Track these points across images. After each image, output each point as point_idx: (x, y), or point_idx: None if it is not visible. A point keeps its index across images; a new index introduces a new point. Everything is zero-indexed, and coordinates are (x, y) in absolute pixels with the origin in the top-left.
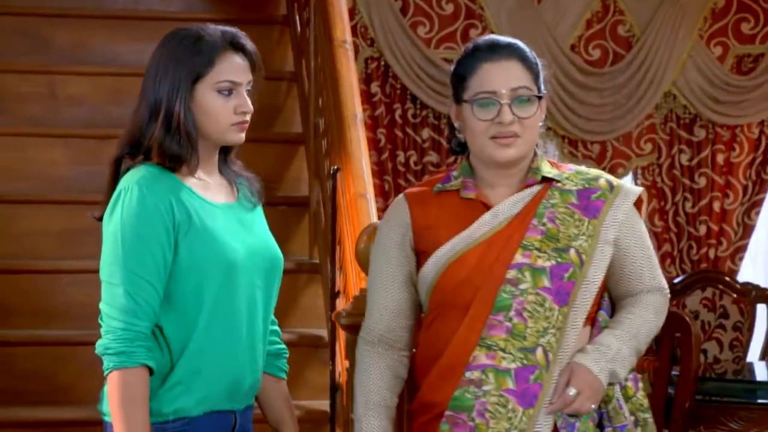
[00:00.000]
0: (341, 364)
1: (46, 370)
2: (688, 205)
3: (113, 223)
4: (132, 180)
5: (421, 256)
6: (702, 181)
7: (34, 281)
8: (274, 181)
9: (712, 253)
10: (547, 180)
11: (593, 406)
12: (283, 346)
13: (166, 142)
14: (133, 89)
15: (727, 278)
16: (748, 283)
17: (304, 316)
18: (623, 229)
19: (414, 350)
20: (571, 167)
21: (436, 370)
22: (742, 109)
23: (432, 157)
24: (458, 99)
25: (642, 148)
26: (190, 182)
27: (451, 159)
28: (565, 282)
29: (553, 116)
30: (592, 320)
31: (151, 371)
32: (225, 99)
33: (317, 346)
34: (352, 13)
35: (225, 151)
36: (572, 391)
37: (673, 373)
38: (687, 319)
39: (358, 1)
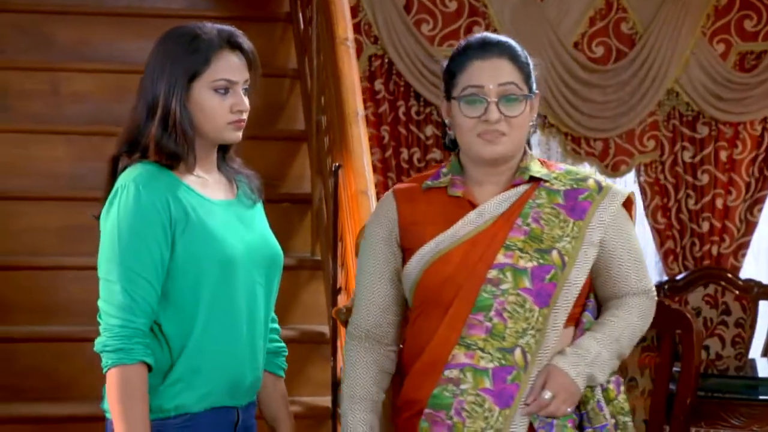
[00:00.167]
0: (342, 360)
1: (47, 366)
2: (691, 202)
3: (110, 221)
4: (129, 178)
5: (406, 252)
6: (705, 178)
7: (35, 278)
8: (277, 178)
9: (714, 250)
10: (535, 179)
11: (569, 409)
12: (283, 344)
13: (163, 140)
14: (135, 87)
15: (730, 275)
16: (750, 280)
17: (306, 312)
18: (609, 230)
19: (402, 345)
20: (561, 167)
21: (418, 366)
22: (745, 106)
23: (435, 154)
24: (448, 95)
25: (645, 145)
26: (188, 180)
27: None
28: (546, 283)
29: (556, 113)
30: (576, 321)
31: (149, 368)
32: (221, 97)
33: (319, 343)
34: (356, 10)
35: (224, 149)
36: (548, 395)
37: (675, 369)
38: (688, 315)
39: None
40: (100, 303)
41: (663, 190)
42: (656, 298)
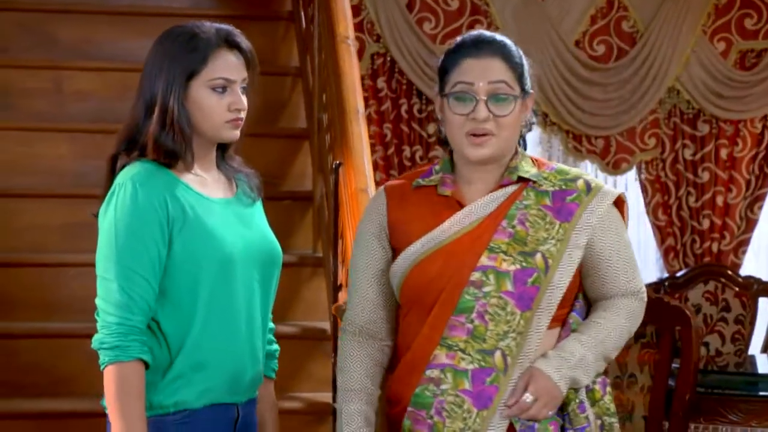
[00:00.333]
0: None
1: (49, 362)
2: (692, 199)
3: (108, 219)
4: (127, 176)
5: (394, 251)
6: (705, 176)
7: (38, 275)
8: (279, 176)
9: (715, 247)
10: (523, 180)
11: (550, 412)
12: (276, 346)
13: (161, 138)
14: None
15: (730, 272)
16: (750, 277)
17: (308, 309)
18: (597, 232)
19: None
20: (552, 166)
21: (403, 364)
22: (746, 104)
23: (437, 151)
24: (441, 92)
25: (646, 143)
26: (187, 178)
27: None
28: (529, 287)
29: (557, 111)
30: (562, 321)
31: (146, 365)
32: (219, 96)
33: (320, 339)
34: (359, 9)
35: (223, 148)
36: (529, 398)
37: (674, 365)
38: (687, 312)
39: None
40: (97, 301)
41: (664, 188)
42: (646, 298)
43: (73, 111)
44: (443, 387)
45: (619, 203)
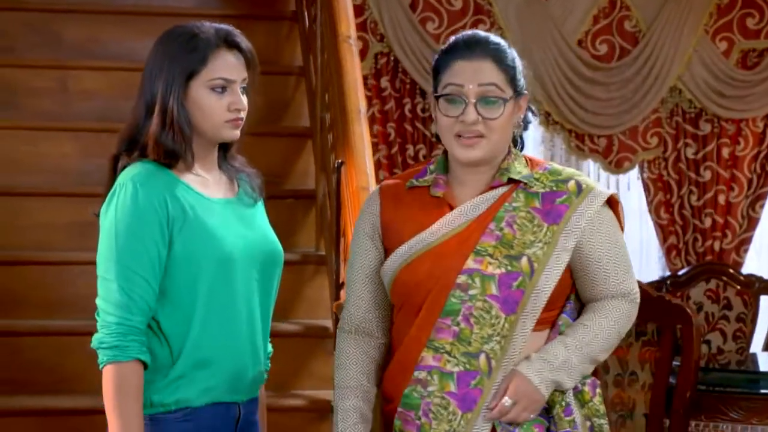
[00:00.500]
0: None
1: (52, 360)
2: (694, 198)
3: (108, 220)
4: (127, 177)
5: (386, 251)
6: (707, 175)
7: (43, 273)
8: (282, 175)
9: (717, 246)
10: (515, 181)
11: (531, 415)
12: (270, 348)
13: (161, 138)
14: None
15: (731, 270)
16: (751, 275)
17: (311, 307)
18: (587, 234)
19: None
20: (546, 166)
21: (393, 363)
22: (747, 104)
23: (441, 150)
24: (434, 92)
25: (648, 142)
26: (187, 178)
27: None
28: (514, 291)
29: (560, 110)
30: (552, 323)
31: (145, 365)
32: (218, 96)
33: (322, 337)
34: (362, 8)
35: (225, 147)
36: (508, 401)
37: (676, 363)
38: (688, 310)
39: None
40: (98, 301)
41: (666, 187)
42: (638, 300)
43: (78, 110)
44: (430, 389)
45: (614, 204)
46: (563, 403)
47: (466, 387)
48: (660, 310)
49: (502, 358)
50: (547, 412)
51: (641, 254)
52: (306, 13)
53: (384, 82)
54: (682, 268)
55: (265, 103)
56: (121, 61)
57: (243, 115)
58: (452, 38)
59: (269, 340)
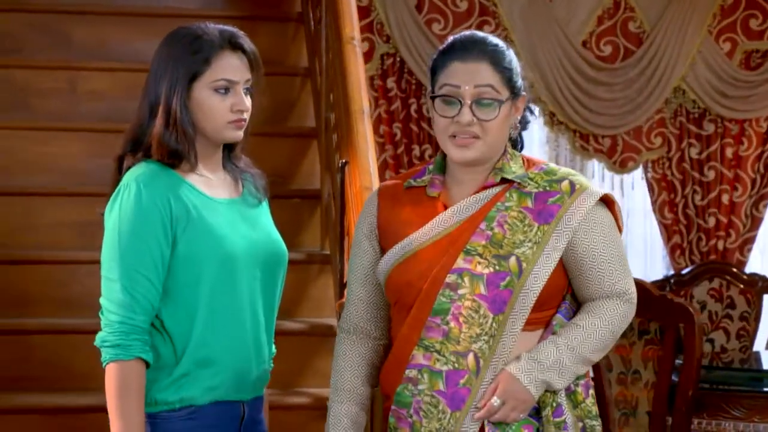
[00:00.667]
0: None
1: (63, 357)
2: (698, 197)
3: (112, 220)
4: (131, 177)
5: (382, 251)
6: (711, 174)
7: (53, 272)
8: (288, 175)
9: (720, 245)
10: (509, 181)
11: (521, 415)
12: (274, 349)
13: (165, 138)
14: None
15: (734, 269)
16: (754, 274)
17: (316, 306)
18: (579, 233)
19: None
20: (542, 166)
21: (388, 361)
22: (751, 104)
23: None
24: (431, 93)
25: (652, 142)
26: (191, 178)
27: None
28: (502, 290)
29: (564, 111)
30: (546, 323)
31: (147, 364)
32: (221, 97)
33: (327, 336)
34: (369, 10)
35: (230, 148)
36: (497, 401)
37: (679, 361)
38: (690, 309)
39: None
40: (101, 300)
41: (670, 186)
42: (635, 300)
43: (87, 111)
44: (420, 387)
45: (610, 204)
46: (554, 404)
47: (455, 386)
48: (662, 308)
49: (490, 357)
50: (538, 413)
51: (645, 253)
52: (311, 15)
53: (390, 82)
54: (686, 267)
55: (271, 104)
56: (128, 62)
57: (246, 116)
58: (450, 38)
59: (273, 340)
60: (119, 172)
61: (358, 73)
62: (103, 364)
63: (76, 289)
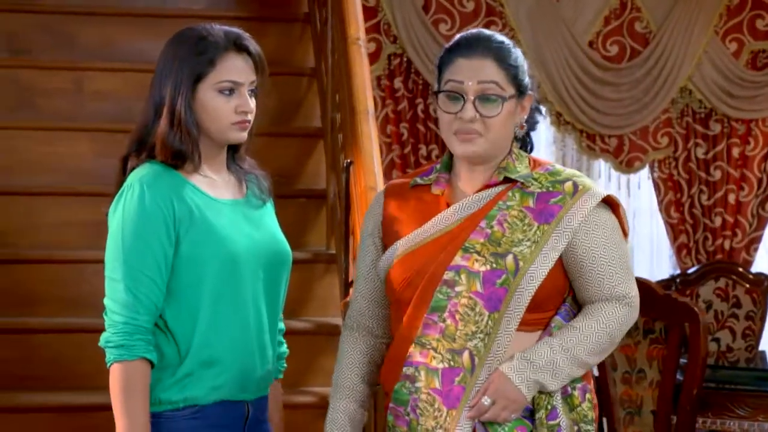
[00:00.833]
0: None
1: (69, 356)
2: (704, 197)
3: (116, 221)
4: (135, 178)
5: (384, 249)
6: (717, 174)
7: (60, 271)
8: (294, 174)
9: (727, 245)
10: (512, 180)
11: (513, 415)
12: (285, 348)
13: (169, 138)
14: None
15: (740, 269)
16: (760, 274)
17: (321, 305)
18: (580, 234)
19: None
20: (548, 167)
21: (387, 358)
22: (757, 104)
23: None
24: (436, 89)
25: (659, 142)
26: (195, 179)
27: None
28: (497, 288)
29: (571, 111)
30: (545, 325)
31: (152, 364)
32: (226, 98)
33: (333, 335)
34: (376, 10)
35: (234, 149)
36: (487, 400)
37: (683, 360)
38: (695, 308)
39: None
40: (105, 300)
41: (676, 186)
42: (636, 304)
43: (93, 111)
44: (417, 385)
45: (614, 206)
46: (548, 407)
47: (450, 384)
48: (667, 308)
49: (485, 355)
50: (532, 414)
51: (652, 253)
52: (318, 15)
53: (397, 82)
54: (693, 266)
55: (277, 104)
56: (134, 62)
57: (250, 117)
58: (457, 36)
59: (284, 340)
60: (123, 173)
61: (363, 74)
62: (108, 365)
63: (82, 288)
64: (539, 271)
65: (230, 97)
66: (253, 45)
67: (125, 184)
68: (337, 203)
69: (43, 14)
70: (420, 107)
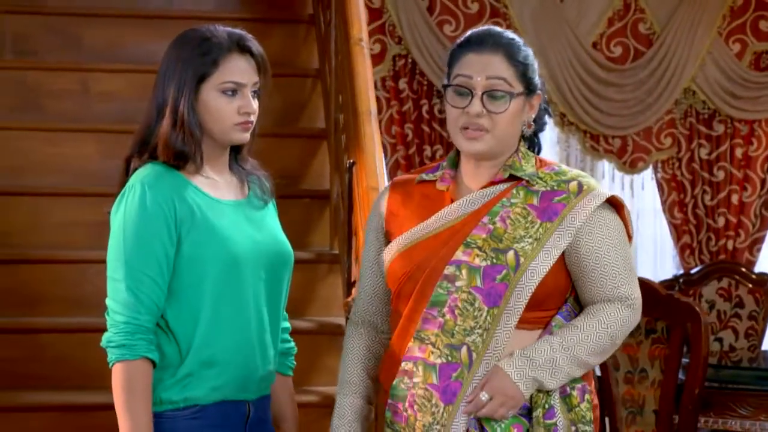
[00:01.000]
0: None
1: (74, 356)
2: (707, 197)
3: (117, 221)
4: (137, 179)
5: (387, 244)
6: (720, 175)
7: (64, 271)
8: (299, 175)
9: (730, 245)
10: (517, 178)
11: (510, 412)
12: (292, 344)
13: (171, 139)
14: None
15: (743, 269)
16: (763, 274)
17: (325, 305)
18: (583, 234)
19: None
20: (554, 167)
21: (386, 355)
22: (760, 105)
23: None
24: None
25: (662, 143)
26: (197, 180)
27: None
28: (497, 283)
29: (575, 111)
30: (545, 324)
31: (153, 364)
32: (229, 99)
33: (336, 334)
34: (381, 11)
35: (236, 150)
36: (484, 396)
37: (685, 360)
38: (696, 308)
39: (387, 1)
40: (107, 301)
41: (680, 186)
42: (638, 306)
43: (99, 112)
44: (415, 380)
45: (619, 208)
46: (546, 406)
47: (448, 379)
48: (669, 307)
49: (483, 351)
50: (530, 412)
51: (655, 253)
52: (322, 17)
53: (402, 83)
54: (696, 266)
55: (282, 105)
56: (140, 63)
57: (253, 118)
58: (468, 32)
59: (291, 338)
60: (126, 174)
61: (366, 75)
62: (110, 365)
63: (87, 288)
64: (540, 267)
65: (233, 98)
66: (255, 46)
67: (127, 185)
68: (341, 203)
69: (50, 16)
70: (425, 108)
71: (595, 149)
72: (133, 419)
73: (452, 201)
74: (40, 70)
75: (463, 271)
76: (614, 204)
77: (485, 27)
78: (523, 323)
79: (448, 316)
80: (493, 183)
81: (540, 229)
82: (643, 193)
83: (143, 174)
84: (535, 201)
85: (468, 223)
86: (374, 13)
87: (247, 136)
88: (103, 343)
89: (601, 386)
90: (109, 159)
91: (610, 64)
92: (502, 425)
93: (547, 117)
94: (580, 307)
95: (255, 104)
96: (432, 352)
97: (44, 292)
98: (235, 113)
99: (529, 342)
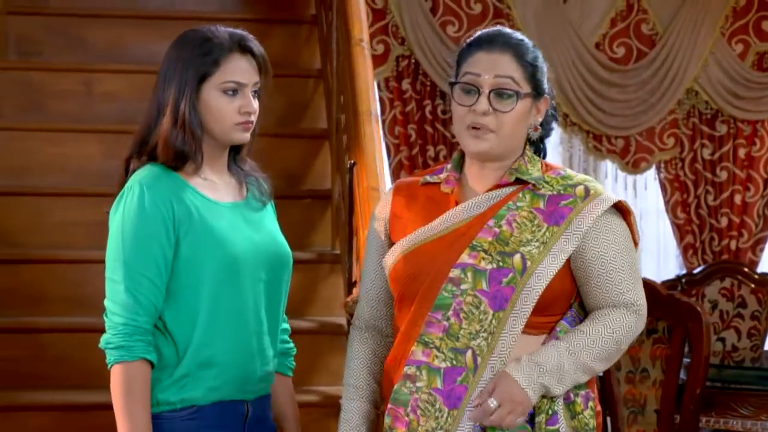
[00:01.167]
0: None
1: (75, 355)
2: (710, 197)
3: (116, 222)
4: (135, 180)
5: (391, 246)
6: (723, 175)
7: (65, 271)
8: (300, 175)
9: (733, 245)
10: (523, 182)
11: (519, 419)
12: (292, 345)
13: (171, 139)
14: None
15: (746, 269)
16: (766, 274)
17: (326, 304)
18: (589, 239)
19: None
20: (560, 171)
21: (389, 359)
22: (763, 105)
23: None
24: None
25: (665, 143)
26: (195, 182)
27: None
28: (504, 287)
29: (578, 112)
30: (550, 329)
31: (151, 365)
32: (229, 99)
33: (337, 334)
34: (384, 12)
35: (235, 151)
36: (493, 403)
37: (687, 360)
38: (698, 308)
39: (390, 1)
40: (106, 302)
41: (683, 187)
42: (644, 312)
43: (102, 112)
44: (418, 384)
45: (625, 213)
46: (549, 412)
47: (452, 383)
48: (670, 308)
49: (488, 355)
50: (533, 419)
51: (658, 253)
52: (324, 17)
53: (405, 84)
54: (699, 266)
55: (285, 105)
56: (143, 63)
57: (253, 118)
58: (476, 33)
59: (290, 339)
60: (126, 174)
61: (367, 75)
62: (108, 366)
63: (89, 288)
64: (547, 271)
65: (234, 98)
66: (256, 46)
67: (126, 186)
68: (342, 204)
69: (53, 16)
70: (428, 109)
71: (598, 149)
72: (131, 420)
73: (457, 203)
74: (44, 71)
75: (469, 274)
76: (621, 209)
77: (496, 27)
78: (529, 328)
79: (452, 320)
80: (498, 186)
81: (547, 233)
82: (646, 193)
83: (142, 175)
84: (541, 205)
85: (473, 226)
86: (377, 14)
87: (247, 135)
88: (101, 344)
89: (603, 386)
90: (111, 159)
91: (613, 65)
92: None
93: (554, 122)
94: (584, 312)
95: (255, 104)
96: (436, 356)
97: (45, 291)
98: (236, 113)
99: (534, 347)
